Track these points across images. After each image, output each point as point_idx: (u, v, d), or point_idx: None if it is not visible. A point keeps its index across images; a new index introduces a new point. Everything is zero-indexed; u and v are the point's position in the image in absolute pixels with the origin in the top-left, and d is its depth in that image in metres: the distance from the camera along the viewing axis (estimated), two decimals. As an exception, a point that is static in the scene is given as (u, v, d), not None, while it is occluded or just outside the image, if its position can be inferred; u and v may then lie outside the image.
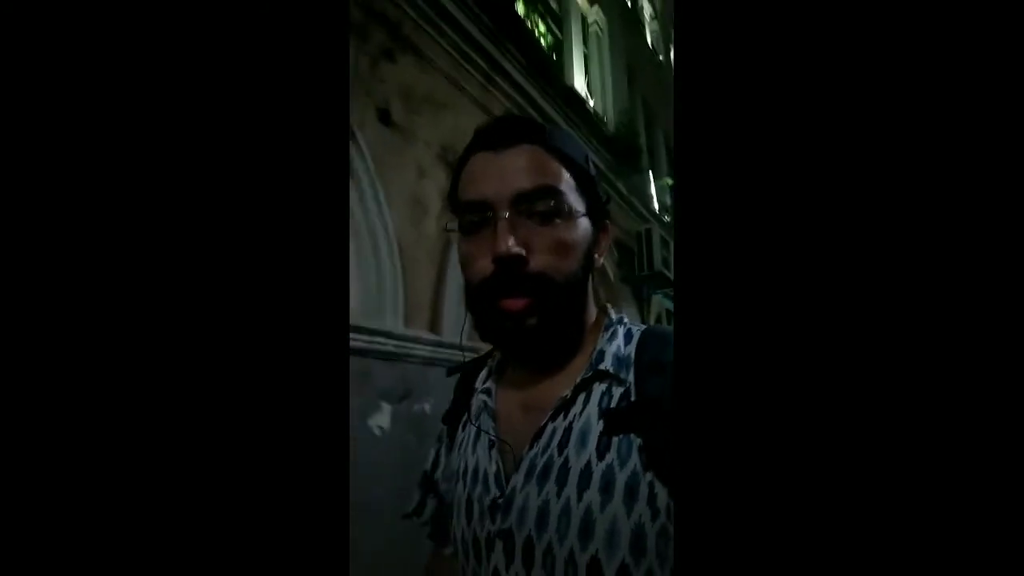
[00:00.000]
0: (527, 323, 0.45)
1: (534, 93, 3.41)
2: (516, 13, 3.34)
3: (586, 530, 0.41)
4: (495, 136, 0.49)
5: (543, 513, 0.43)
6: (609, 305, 0.55)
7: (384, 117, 2.22)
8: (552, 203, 0.46)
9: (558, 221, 0.46)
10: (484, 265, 0.46)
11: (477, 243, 0.47)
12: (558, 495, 0.43)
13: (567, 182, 0.48)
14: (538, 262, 0.45)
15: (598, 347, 0.49)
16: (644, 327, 0.52)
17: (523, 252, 0.45)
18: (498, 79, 3.05)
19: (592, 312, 0.54)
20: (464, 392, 0.60)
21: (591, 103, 4.72)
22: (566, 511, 0.42)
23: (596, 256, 0.52)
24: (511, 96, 3.20)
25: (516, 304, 0.45)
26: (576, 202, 0.48)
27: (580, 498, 0.42)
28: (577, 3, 5.19)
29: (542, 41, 3.75)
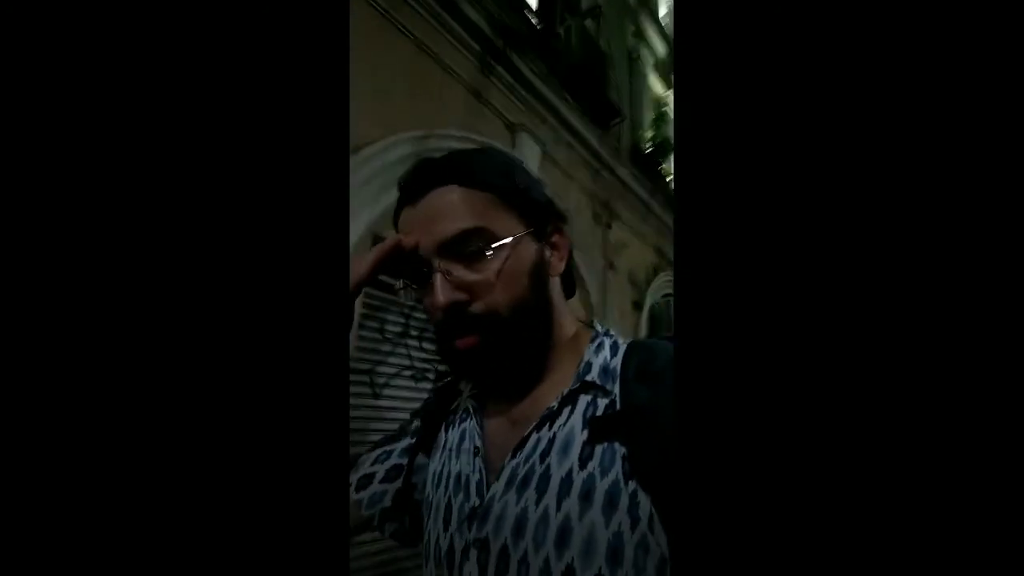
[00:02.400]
0: (483, 357, 0.46)
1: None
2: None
3: (562, 538, 0.40)
4: (410, 189, 0.49)
5: (520, 521, 0.42)
6: (595, 319, 0.55)
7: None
8: (477, 242, 0.46)
9: (491, 256, 0.46)
10: (436, 313, 0.47)
11: (426, 293, 0.48)
12: (537, 503, 0.42)
13: (491, 211, 0.47)
14: (480, 302, 0.45)
15: (585, 358, 0.48)
16: (630, 340, 0.51)
17: (460, 298, 0.45)
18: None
19: (569, 325, 0.52)
20: (448, 392, 0.59)
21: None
22: (544, 519, 0.41)
23: (552, 266, 0.51)
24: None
25: (467, 343, 0.46)
26: (509, 227, 0.47)
27: (559, 506, 0.41)
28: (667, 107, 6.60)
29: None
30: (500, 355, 0.46)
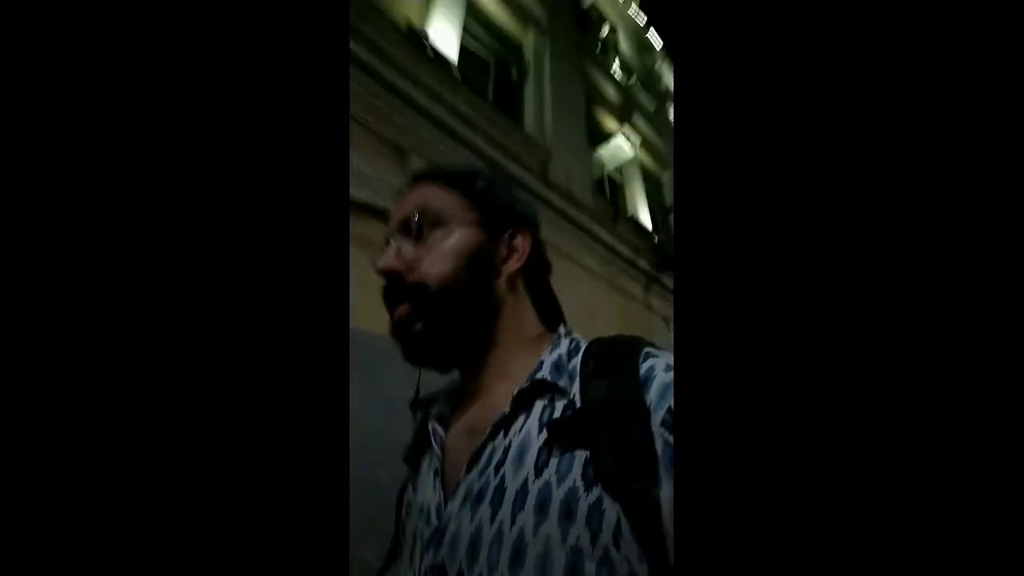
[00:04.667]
0: (414, 328, 0.48)
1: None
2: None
3: (517, 557, 0.36)
4: (407, 188, 0.56)
5: (475, 541, 0.39)
6: (562, 324, 0.55)
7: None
8: (425, 220, 0.50)
9: (435, 235, 0.50)
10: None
11: None
12: (492, 519, 0.39)
13: (449, 202, 0.52)
14: (415, 274, 0.49)
15: (539, 358, 0.48)
16: (592, 339, 0.49)
17: (395, 266, 0.49)
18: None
19: (530, 328, 0.53)
20: (423, 427, 0.57)
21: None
22: (498, 537, 0.38)
23: (504, 263, 0.52)
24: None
25: (401, 311, 0.48)
26: (461, 214, 0.52)
27: (514, 521, 0.38)
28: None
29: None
30: (431, 327, 0.48)
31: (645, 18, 8.32)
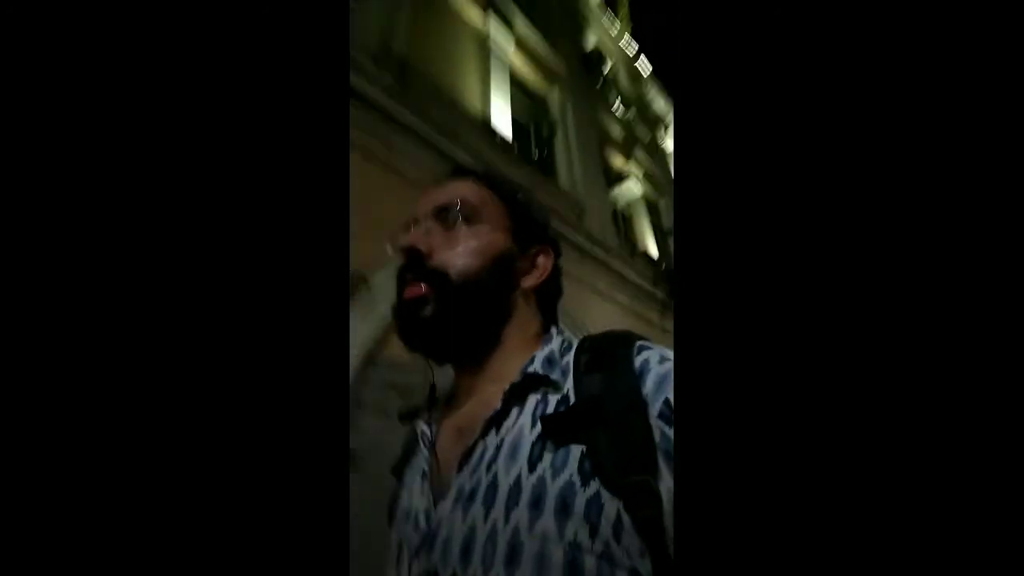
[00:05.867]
0: (422, 312, 0.47)
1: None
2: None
3: (513, 555, 0.35)
4: (442, 179, 0.57)
5: (468, 542, 0.38)
6: (554, 325, 0.55)
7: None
8: (462, 211, 0.51)
9: (468, 228, 0.51)
10: (400, 257, 0.51)
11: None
12: (485, 518, 0.38)
13: (488, 203, 0.53)
14: (438, 259, 0.49)
15: (531, 355, 0.48)
16: (583, 336, 0.50)
17: (423, 246, 0.49)
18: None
19: (530, 331, 0.52)
20: (413, 438, 0.56)
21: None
22: (492, 536, 0.37)
23: (524, 276, 0.53)
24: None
25: (414, 291, 0.48)
26: (497, 218, 0.53)
27: (508, 518, 0.37)
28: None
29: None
30: (440, 315, 0.47)
31: (636, 46, 8.94)
